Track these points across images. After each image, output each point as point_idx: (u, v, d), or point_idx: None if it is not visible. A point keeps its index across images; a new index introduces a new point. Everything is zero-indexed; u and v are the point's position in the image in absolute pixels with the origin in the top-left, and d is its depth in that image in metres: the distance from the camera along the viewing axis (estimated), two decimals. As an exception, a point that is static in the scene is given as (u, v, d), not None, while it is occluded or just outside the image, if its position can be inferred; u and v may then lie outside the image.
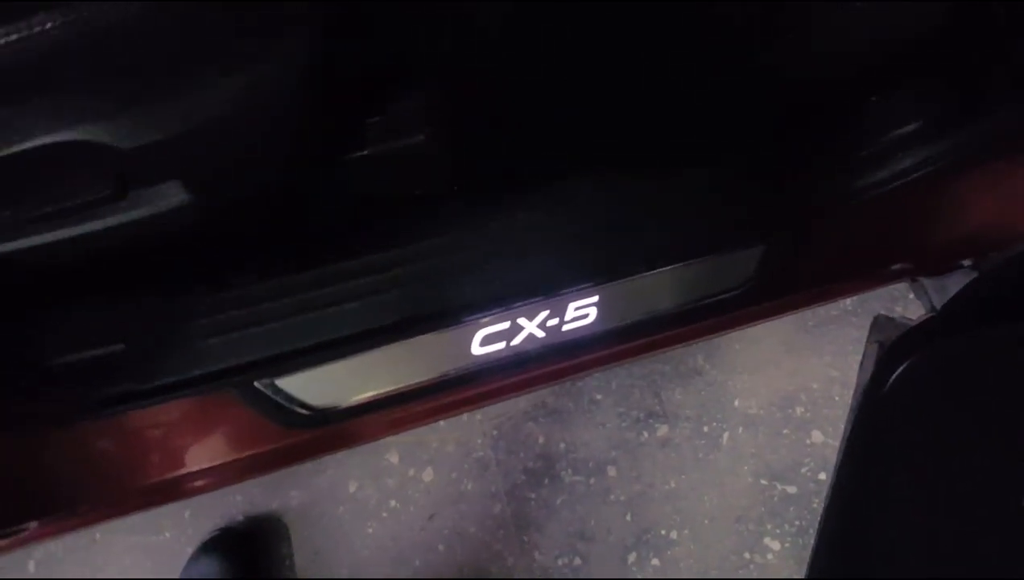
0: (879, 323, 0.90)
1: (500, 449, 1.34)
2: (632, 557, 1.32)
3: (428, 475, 1.32)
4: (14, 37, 0.33)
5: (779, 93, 0.69)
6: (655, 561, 1.32)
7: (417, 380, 0.64)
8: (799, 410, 1.39)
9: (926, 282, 0.90)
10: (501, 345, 0.64)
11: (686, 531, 1.34)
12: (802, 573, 0.96)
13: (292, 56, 0.45)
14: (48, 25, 0.33)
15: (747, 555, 1.34)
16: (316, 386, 0.62)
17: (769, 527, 1.35)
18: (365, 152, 0.64)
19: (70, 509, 0.66)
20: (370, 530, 1.29)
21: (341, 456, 1.30)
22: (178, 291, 0.60)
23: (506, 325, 0.63)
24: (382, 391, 0.63)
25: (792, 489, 1.36)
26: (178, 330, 0.58)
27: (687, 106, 0.66)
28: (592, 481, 1.34)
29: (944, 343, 0.75)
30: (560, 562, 1.31)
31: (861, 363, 0.89)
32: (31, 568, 1.24)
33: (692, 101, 0.66)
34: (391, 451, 1.32)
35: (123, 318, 0.59)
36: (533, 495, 1.33)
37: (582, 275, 0.63)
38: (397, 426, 0.72)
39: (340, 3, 0.49)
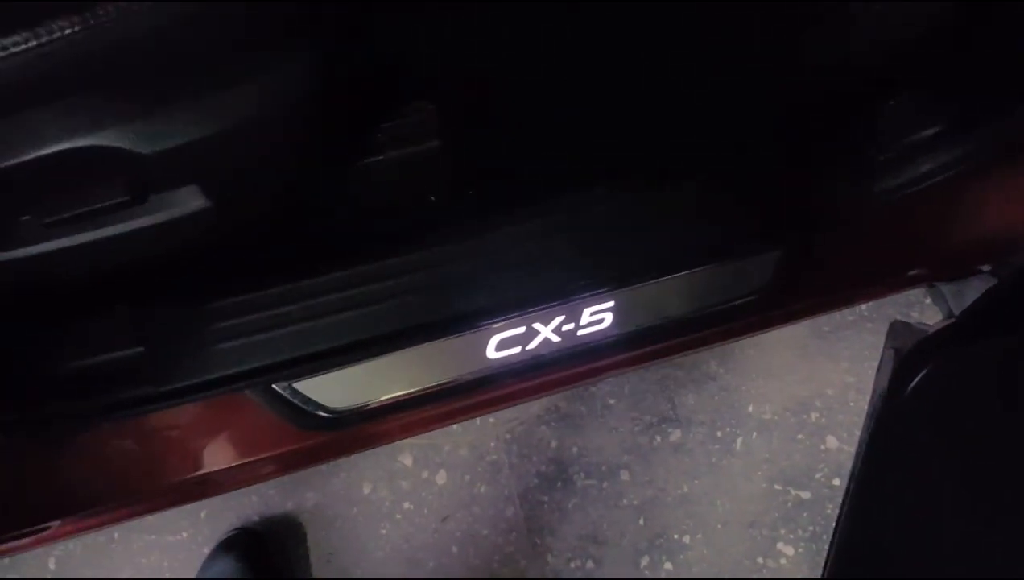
0: (896, 329, 0.90)
1: (513, 453, 1.34)
2: (644, 561, 1.32)
3: (441, 478, 1.32)
4: (34, 43, 0.34)
5: (797, 96, 0.69)
6: (668, 565, 1.32)
7: (433, 384, 0.64)
8: (814, 415, 1.38)
9: (944, 288, 0.90)
10: (517, 349, 0.64)
11: (699, 536, 1.33)
12: (815, 579, 0.95)
13: (309, 63, 0.45)
14: (68, 31, 0.34)
15: (760, 560, 1.33)
16: (334, 389, 0.63)
17: (782, 532, 1.34)
18: (380, 157, 0.64)
19: (91, 509, 0.67)
20: (384, 532, 1.30)
21: (355, 458, 1.31)
22: (196, 295, 0.60)
23: (522, 330, 0.63)
24: (399, 394, 0.64)
25: (806, 494, 1.36)
26: (197, 333, 0.59)
27: (703, 110, 0.66)
28: (605, 485, 1.34)
29: (963, 350, 0.74)
30: (572, 565, 1.31)
31: (878, 369, 0.88)
32: (51, 566, 1.26)
33: (708, 105, 0.66)
34: (405, 454, 1.32)
35: (142, 322, 0.60)
36: (546, 498, 1.33)
37: (597, 280, 0.63)
38: (413, 429, 0.72)
39: (352, 11, 0.50)
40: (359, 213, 0.64)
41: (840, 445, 1.37)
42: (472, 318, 0.62)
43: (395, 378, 0.64)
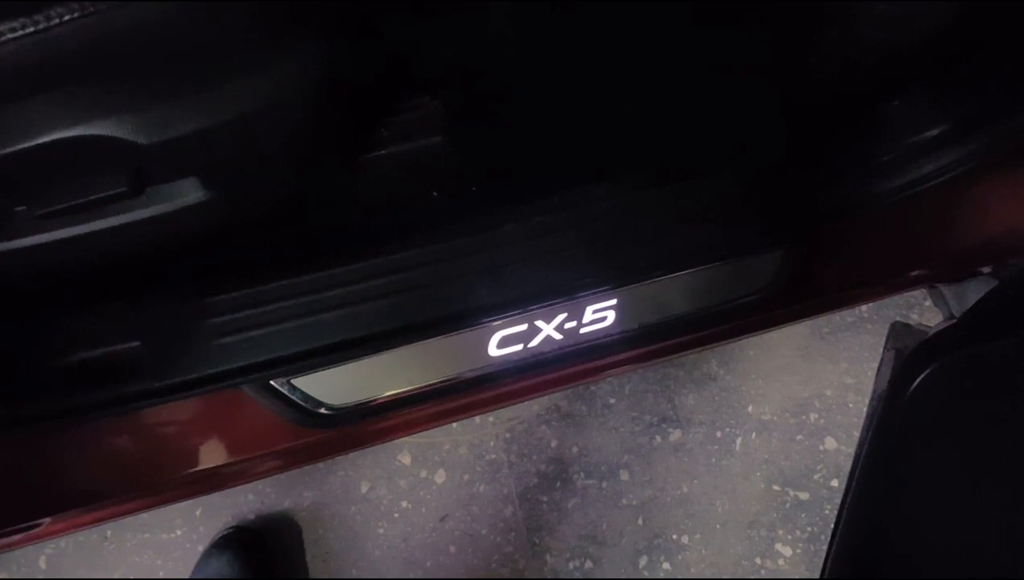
0: (897, 330, 0.89)
1: (513, 452, 1.33)
2: (643, 561, 1.32)
3: (440, 477, 1.31)
4: (31, 29, 0.33)
5: (799, 97, 0.68)
6: (666, 565, 1.32)
7: (434, 381, 0.64)
8: (813, 416, 1.38)
9: (945, 289, 0.89)
10: (519, 347, 0.64)
11: (698, 536, 1.33)
12: (813, 579, 0.96)
13: (313, 57, 0.45)
14: (66, 18, 0.33)
15: (758, 561, 1.33)
16: (333, 386, 0.62)
17: (781, 533, 1.34)
18: (383, 152, 0.64)
19: (83, 505, 0.67)
20: (381, 531, 1.29)
21: (354, 457, 1.30)
22: (194, 289, 0.60)
23: (523, 327, 0.63)
24: (399, 392, 0.63)
25: (804, 495, 1.35)
26: (194, 328, 0.58)
27: (707, 109, 0.66)
28: (604, 485, 1.33)
29: (964, 351, 0.74)
30: (571, 565, 1.31)
31: (878, 370, 0.88)
32: (42, 565, 1.25)
33: (712, 104, 0.65)
34: (403, 452, 1.32)
35: (139, 315, 0.59)
36: (545, 498, 1.32)
37: (600, 278, 0.63)
38: (412, 427, 0.72)
39: (356, 6, 0.49)
40: (361, 208, 0.64)
41: (839, 446, 1.37)
42: (474, 315, 0.61)
43: (395, 375, 0.63)
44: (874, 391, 0.85)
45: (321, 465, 1.30)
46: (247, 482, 1.21)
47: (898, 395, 0.75)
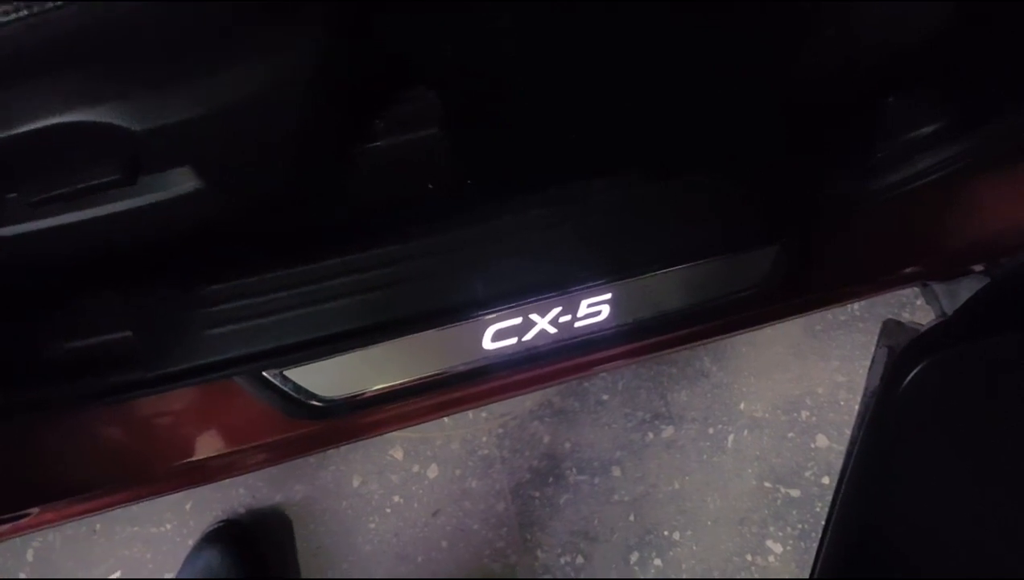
0: (889, 328, 0.90)
1: (505, 447, 1.33)
2: (635, 557, 1.32)
3: (432, 472, 1.31)
4: (24, 12, 0.33)
5: (794, 94, 0.68)
6: (657, 561, 1.32)
7: (428, 374, 0.63)
8: (804, 414, 1.39)
9: (937, 287, 0.90)
10: (513, 341, 0.64)
11: (689, 532, 1.33)
12: (804, 576, 0.95)
13: (309, 47, 0.45)
14: (60, 2, 0.33)
15: (749, 557, 1.34)
16: (325, 378, 0.62)
17: (772, 530, 1.35)
18: (378, 144, 0.63)
19: (72, 496, 0.66)
20: (373, 526, 1.29)
21: (345, 451, 1.30)
22: (187, 279, 0.59)
23: (518, 321, 0.63)
24: (392, 384, 0.63)
25: (795, 493, 1.36)
26: (187, 318, 0.58)
27: (700, 105, 0.66)
28: (596, 481, 1.34)
29: (956, 349, 0.75)
30: (563, 561, 1.31)
31: (870, 367, 0.88)
32: (29, 557, 1.24)
33: (708, 100, 0.66)
34: (395, 447, 1.31)
35: (130, 305, 0.59)
36: (537, 494, 1.32)
37: (596, 272, 0.63)
38: (405, 420, 0.72)
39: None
40: (355, 200, 0.63)
41: (830, 444, 1.37)
42: (468, 308, 0.61)
43: (389, 367, 0.63)
44: (866, 389, 0.85)
45: (312, 459, 1.30)
46: (238, 474, 1.20)
47: (890, 392, 0.75)
